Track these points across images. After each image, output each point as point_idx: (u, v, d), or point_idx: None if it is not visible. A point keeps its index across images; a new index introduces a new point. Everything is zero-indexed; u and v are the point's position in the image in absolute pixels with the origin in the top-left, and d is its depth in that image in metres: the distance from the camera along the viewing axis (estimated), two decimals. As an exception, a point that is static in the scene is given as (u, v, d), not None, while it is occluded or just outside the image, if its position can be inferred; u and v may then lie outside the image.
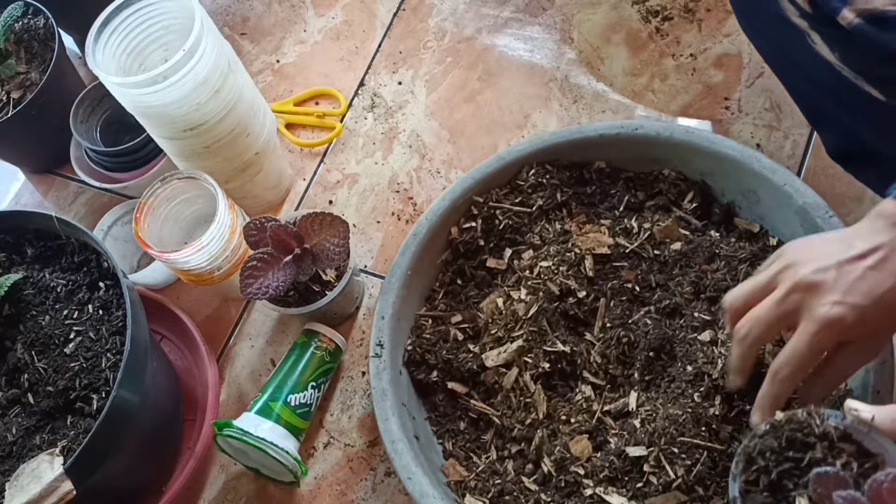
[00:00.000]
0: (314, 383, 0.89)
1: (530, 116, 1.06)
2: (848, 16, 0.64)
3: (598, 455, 0.73)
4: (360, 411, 0.92)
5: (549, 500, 0.74)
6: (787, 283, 0.58)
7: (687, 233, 0.83)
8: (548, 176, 0.89)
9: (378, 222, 1.03)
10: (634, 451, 0.71)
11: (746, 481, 0.54)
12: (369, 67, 1.15)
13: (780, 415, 0.55)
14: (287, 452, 0.83)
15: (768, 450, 0.53)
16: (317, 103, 1.15)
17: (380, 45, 1.16)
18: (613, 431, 0.74)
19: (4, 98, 1.05)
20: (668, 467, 0.69)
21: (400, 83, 1.13)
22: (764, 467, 0.53)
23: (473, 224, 0.89)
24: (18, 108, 1.02)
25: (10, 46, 1.07)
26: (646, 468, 0.70)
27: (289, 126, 1.13)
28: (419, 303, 0.89)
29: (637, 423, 0.72)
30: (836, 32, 0.67)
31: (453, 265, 0.90)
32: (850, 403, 0.52)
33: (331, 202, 1.06)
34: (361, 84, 1.14)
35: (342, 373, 0.94)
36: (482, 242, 0.89)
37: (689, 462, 0.68)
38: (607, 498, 0.71)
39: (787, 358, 0.58)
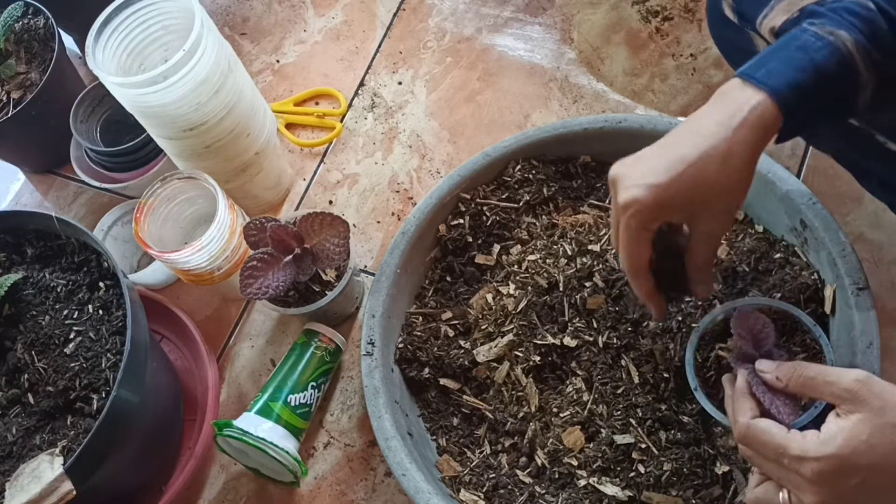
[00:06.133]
0: (314, 383, 0.89)
1: (530, 116, 1.06)
2: None
3: (591, 445, 0.74)
4: (360, 411, 0.92)
5: (544, 492, 0.74)
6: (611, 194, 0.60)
7: None
8: (534, 171, 0.89)
9: (378, 222, 1.03)
10: (622, 439, 0.72)
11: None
12: (369, 67, 1.15)
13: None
14: (287, 452, 0.83)
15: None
16: (317, 103, 1.15)
17: (380, 45, 1.16)
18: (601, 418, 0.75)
19: (4, 98, 1.05)
20: (652, 448, 0.70)
21: (400, 83, 1.13)
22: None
23: (461, 221, 0.89)
24: (18, 108, 1.02)
25: (10, 46, 1.07)
26: (634, 455, 0.71)
27: (289, 126, 1.13)
28: (409, 300, 0.89)
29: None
30: None
31: (442, 262, 0.90)
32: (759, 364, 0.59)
33: (331, 202, 1.06)
34: (361, 84, 1.14)
35: (342, 373, 0.94)
36: (470, 239, 0.89)
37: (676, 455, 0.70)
38: (601, 488, 0.71)
39: (621, 250, 0.60)
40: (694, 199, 0.56)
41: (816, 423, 0.57)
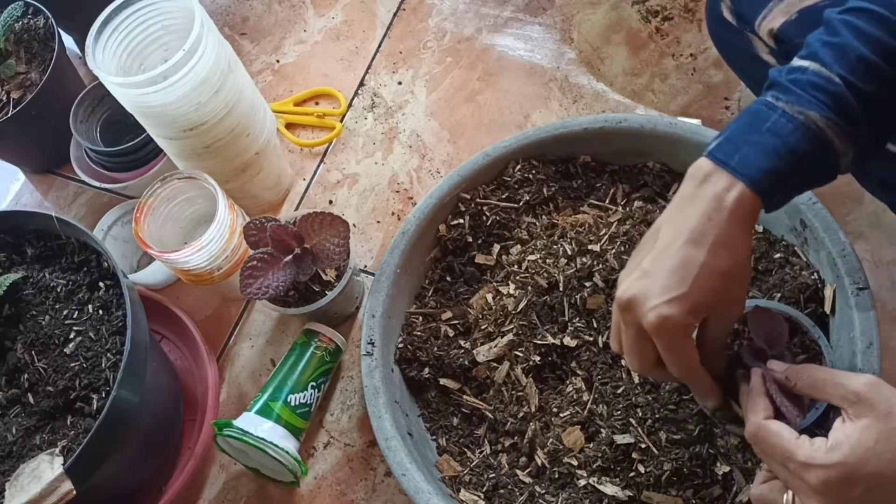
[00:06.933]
0: (314, 383, 0.89)
1: (530, 116, 1.06)
2: None
3: (591, 445, 0.74)
4: (360, 411, 0.92)
5: (544, 492, 0.74)
6: (617, 311, 0.58)
7: None
8: (534, 171, 0.89)
9: (378, 222, 1.03)
10: (622, 439, 0.72)
11: None
12: (369, 67, 1.15)
13: None
14: (287, 452, 0.83)
15: None
16: (317, 103, 1.15)
17: (380, 45, 1.16)
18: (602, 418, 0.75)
19: (4, 98, 1.05)
20: (652, 448, 0.70)
21: (400, 83, 1.13)
22: None
23: (461, 221, 0.89)
24: (18, 108, 1.02)
25: (10, 46, 1.07)
26: (634, 455, 0.71)
27: (289, 126, 1.13)
28: (409, 300, 0.89)
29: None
30: None
31: (442, 262, 0.91)
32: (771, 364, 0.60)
33: (331, 202, 1.06)
34: (361, 84, 1.14)
35: (342, 373, 0.94)
36: (470, 239, 0.89)
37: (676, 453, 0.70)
38: (601, 488, 0.71)
39: (670, 364, 0.58)
40: (717, 296, 0.56)
41: (818, 424, 0.58)
